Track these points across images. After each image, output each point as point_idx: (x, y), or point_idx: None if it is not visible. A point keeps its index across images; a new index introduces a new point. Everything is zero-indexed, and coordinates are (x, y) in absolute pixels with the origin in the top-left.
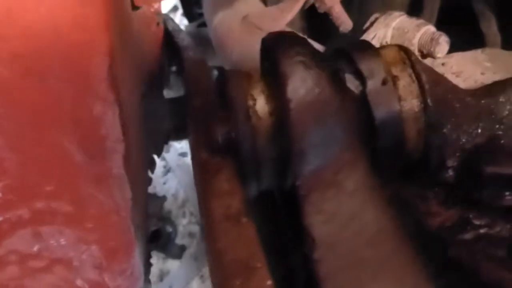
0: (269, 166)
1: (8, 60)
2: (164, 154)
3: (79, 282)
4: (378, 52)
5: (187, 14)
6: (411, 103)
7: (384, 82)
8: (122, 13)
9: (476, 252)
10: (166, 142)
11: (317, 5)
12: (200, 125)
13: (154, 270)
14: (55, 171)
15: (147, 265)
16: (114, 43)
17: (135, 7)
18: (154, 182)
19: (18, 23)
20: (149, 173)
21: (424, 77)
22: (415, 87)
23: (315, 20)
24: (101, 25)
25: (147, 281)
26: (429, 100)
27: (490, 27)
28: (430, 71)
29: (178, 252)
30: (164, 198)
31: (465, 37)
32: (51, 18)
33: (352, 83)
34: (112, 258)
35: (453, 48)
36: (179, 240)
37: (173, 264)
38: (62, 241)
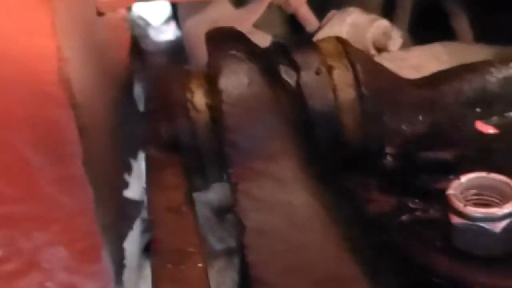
0: (211, 159)
1: None
2: None
3: (49, 284)
4: (314, 44)
5: (180, 25)
6: (346, 92)
7: (318, 72)
8: (84, 19)
9: (411, 235)
10: (141, 148)
11: (283, 6)
12: (150, 124)
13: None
14: (15, 175)
15: (120, 267)
16: (68, 47)
17: (100, 13)
18: None
19: None
20: (126, 177)
21: (358, 66)
22: (349, 76)
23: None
24: (48, 29)
25: (119, 282)
26: (363, 89)
27: (461, 24)
28: (367, 60)
29: None
30: (141, 202)
31: (440, 36)
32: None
33: (287, 74)
34: (80, 260)
35: None
36: None
37: None
38: (31, 244)
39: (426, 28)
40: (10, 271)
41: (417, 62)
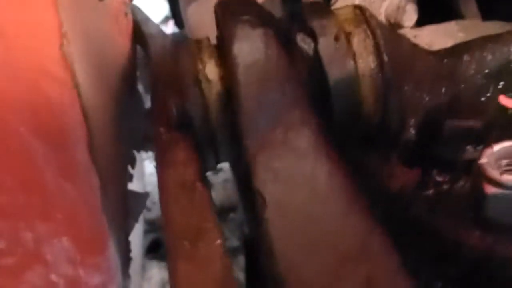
0: (224, 133)
1: None
2: None
3: (53, 277)
4: (331, 10)
5: (178, 23)
6: (366, 59)
7: (336, 38)
8: (86, 4)
9: (436, 209)
10: (144, 139)
11: None
12: (158, 102)
13: (155, 279)
14: (15, 162)
15: (126, 259)
16: (69, 26)
17: None
18: (153, 192)
19: None
20: (130, 169)
21: (379, 33)
22: (369, 42)
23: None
24: (49, 4)
25: (127, 275)
26: (385, 56)
27: (469, 8)
28: (387, 29)
29: None
30: (146, 194)
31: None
32: None
33: (304, 42)
34: (85, 251)
35: None
36: None
37: None
38: (33, 235)
39: (432, 12)
40: (13, 264)
41: (432, 39)
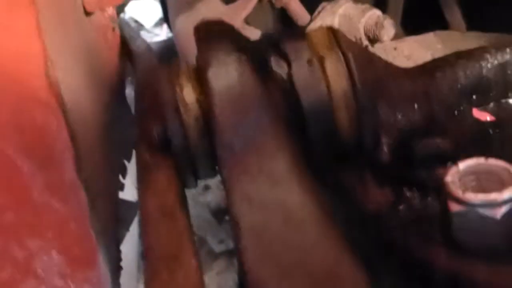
0: (202, 155)
1: None
2: None
3: None
4: (305, 34)
5: (171, 27)
6: (339, 84)
7: (310, 63)
8: (70, 19)
9: (409, 230)
10: (134, 149)
11: (273, 1)
12: (140, 124)
13: None
14: (4, 182)
15: (117, 269)
16: (54, 50)
17: (87, 13)
18: None
19: None
20: (121, 179)
21: (351, 56)
22: (342, 66)
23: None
24: (32, 29)
25: (117, 285)
26: (357, 79)
27: (454, 15)
28: (360, 50)
29: None
30: (137, 203)
31: (433, 27)
32: None
33: (278, 66)
34: (75, 265)
35: None
36: None
37: None
38: (24, 252)
39: (418, 19)
40: (5, 279)
41: (410, 51)
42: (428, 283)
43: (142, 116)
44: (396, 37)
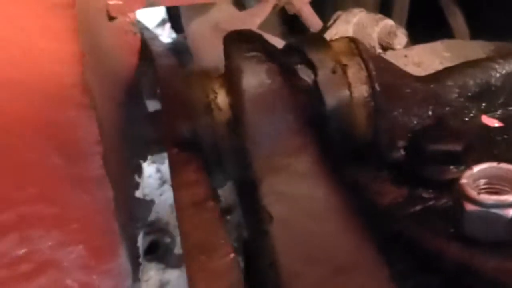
0: (231, 155)
1: None
2: (159, 166)
3: (69, 282)
4: (328, 43)
5: (175, 27)
6: (360, 89)
7: (334, 71)
8: (96, 23)
9: (422, 223)
10: (148, 148)
11: (286, 7)
12: (170, 124)
13: (153, 281)
14: (36, 175)
15: (136, 264)
16: (87, 52)
17: (111, 18)
18: (151, 194)
19: None
20: (137, 178)
21: (371, 65)
22: (363, 74)
23: (297, 24)
24: (70, 33)
25: (136, 279)
26: (376, 85)
27: (457, 21)
28: (378, 59)
29: (177, 262)
30: (152, 202)
31: (437, 33)
32: (23, 28)
33: (304, 73)
34: (99, 257)
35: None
36: (177, 250)
37: (172, 274)
38: (50, 243)
39: (423, 24)
40: (30, 270)
41: (420, 59)
42: (440, 272)
43: (170, 115)
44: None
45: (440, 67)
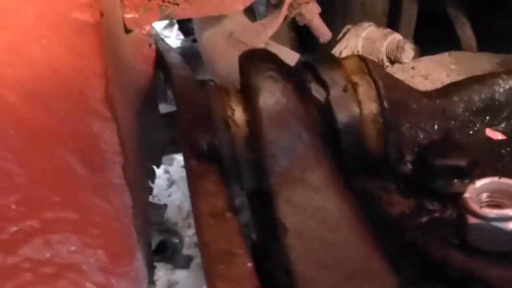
0: (248, 168)
1: (14, 86)
2: (167, 167)
3: (88, 285)
4: (339, 62)
5: (182, 29)
6: (369, 107)
7: (345, 89)
8: (115, 37)
9: (429, 233)
10: (163, 154)
11: (297, 18)
12: (189, 136)
13: (162, 281)
14: (60, 183)
15: (151, 268)
16: (108, 66)
17: (128, 31)
18: (159, 195)
19: (22, 52)
20: (150, 183)
21: (380, 83)
22: (372, 92)
23: (305, 30)
24: (95, 51)
25: (151, 282)
26: (385, 103)
27: (465, 30)
28: (387, 77)
29: (185, 263)
30: (165, 206)
31: (444, 41)
32: (51, 48)
33: (317, 92)
34: (117, 261)
35: (434, 53)
36: (185, 251)
37: (180, 275)
38: (71, 247)
39: (431, 34)
40: (52, 273)
41: (427, 71)
42: (445, 280)
43: (187, 127)
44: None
45: (447, 79)
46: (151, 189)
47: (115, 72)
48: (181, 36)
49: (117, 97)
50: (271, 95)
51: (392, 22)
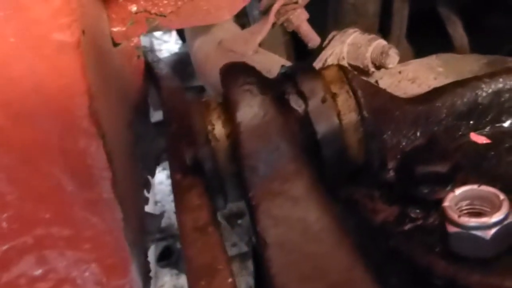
0: (231, 181)
1: (0, 107)
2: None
3: None
4: (318, 73)
5: (180, 34)
6: (349, 116)
7: (324, 100)
8: (102, 51)
9: (413, 241)
10: (158, 163)
11: (285, 24)
12: (174, 149)
13: (168, 286)
14: (50, 200)
15: (146, 278)
16: (93, 83)
17: (115, 44)
18: (163, 201)
19: (4, 74)
20: (146, 193)
21: (360, 92)
22: (352, 101)
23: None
24: (77, 69)
25: None
26: (365, 112)
27: (456, 30)
28: (367, 85)
29: None
30: (161, 215)
31: (436, 40)
32: (34, 68)
33: (296, 103)
34: (110, 274)
35: (427, 52)
36: None
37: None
38: (65, 263)
39: (422, 33)
40: (48, 287)
41: (414, 75)
42: (429, 287)
43: (173, 140)
44: (403, 52)
45: (434, 82)
46: (146, 199)
47: (103, 86)
48: (179, 41)
49: (104, 111)
50: (249, 109)
51: (383, 22)
